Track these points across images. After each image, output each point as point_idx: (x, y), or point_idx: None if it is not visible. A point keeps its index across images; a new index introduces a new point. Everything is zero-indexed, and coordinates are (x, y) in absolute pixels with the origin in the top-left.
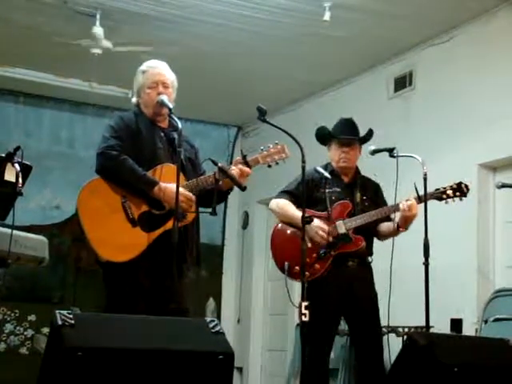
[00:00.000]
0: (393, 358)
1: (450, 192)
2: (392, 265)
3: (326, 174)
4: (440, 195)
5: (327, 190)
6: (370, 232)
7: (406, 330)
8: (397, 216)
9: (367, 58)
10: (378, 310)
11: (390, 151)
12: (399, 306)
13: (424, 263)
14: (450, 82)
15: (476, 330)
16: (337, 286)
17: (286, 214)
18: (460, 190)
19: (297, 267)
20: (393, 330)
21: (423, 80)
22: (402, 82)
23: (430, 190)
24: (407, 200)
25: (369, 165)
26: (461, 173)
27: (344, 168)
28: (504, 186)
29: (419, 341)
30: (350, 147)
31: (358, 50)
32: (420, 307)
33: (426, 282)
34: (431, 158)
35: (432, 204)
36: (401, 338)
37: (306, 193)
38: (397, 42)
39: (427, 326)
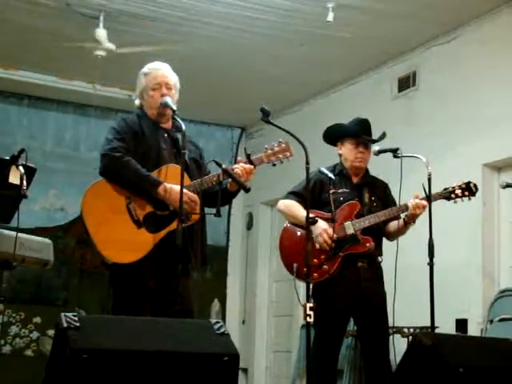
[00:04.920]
0: (398, 359)
1: (458, 192)
2: (397, 265)
3: (331, 175)
4: (448, 195)
5: (333, 191)
6: (379, 232)
7: (412, 330)
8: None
9: (371, 58)
10: (387, 311)
11: (394, 151)
12: (404, 306)
13: (429, 263)
14: (453, 82)
15: (481, 331)
16: (346, 287)
17: (293, 214)
18: (469, 190)
19: (305, 268)
20: (398, 330)
21: (427, 80)
22: (406, 82)
23: (436, 189)
24: (415, 198)
25: (373, 165)
26: (465, 173)
27: (358, 168)
28: (508, 185)
29: (424, 341)
30: (366, 148)
31: (361, 50)
32: (425, 307)
33: (431, 282)
34: (435, 158)
35: (437, 204)
36: (406, 339)
37: (314, 194)
38: (400, 42)
39: (432, 327)
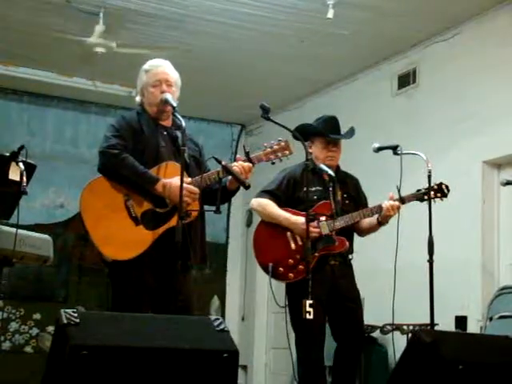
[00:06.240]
0: (398, 356)
1: (431, 193)
2: (396, 262)
3: (330, 172)
4: (421, 196)
5: (306, 189)
6: (350, 231)
7: (411, 327)
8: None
9: (371, 55)
10: (362, 308)
11: (394, 149)
12: (404, 303)
13: (428, 261)
14: (453, 79)
15: (481, 328)
16: (321, 286)
17: (270, 213)
18: (441, 191)
19: (281, 268)
20: (397, 327)
21: (427, 77)
22: (406, 79)
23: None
24: (390, 200)
25: (373, 162)
26: (465, 170)
27: (328, 166)
28: (508, 183)
29: (424, 338)
30: (336, 146)
31: (361, 47)
32: (425, 305)
33: (431, 279)
34: (435, 155)
35: (436, 202)
36: (406, 336)
37: (287, 192)
38: (400, 39)
39: (432, 324)
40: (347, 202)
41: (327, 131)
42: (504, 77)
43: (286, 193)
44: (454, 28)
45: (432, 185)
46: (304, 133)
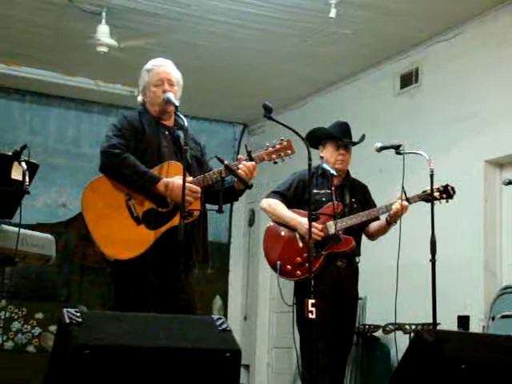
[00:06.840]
0: (400, 355)
1: (436, 194)
2: (399, 262)
3: (333, 171)
4: (427, 197)
5: (316, 192)
6: (358, 233)
7: (413, 327)
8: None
9: (373, 54)
10: (357, 311)
11: (397, 148)
12: (406, 303)
13: (431, 260)
14: (455, 79)
15: (483, 327)
16: (327, 285)
17: (278, 213)
18: (446, 192)
19: (288, 266)
20: (400, 327)
21: (429, 76)
22: (408, 79)
23: (436, 187)
24: (398, 199)
25: (375, 162)
26: (467, 169)
27: (339, 170)
28: (510, 182)
29: (426, 338)
30: (346, 150)
31: (363, 46)
32: (427, 304)
33: (433, 279)
34: (438, 155)
35: (438, 201)
36: (408, 336)
37: (297, 194)
38: (402, 39)
39: (434, 323)
40: (355, 205)
41: (338, 135)
42: (506, 76)
43: (296, 195)
44: (456, 28)
45: (438, 186)
46: (316, 136)
